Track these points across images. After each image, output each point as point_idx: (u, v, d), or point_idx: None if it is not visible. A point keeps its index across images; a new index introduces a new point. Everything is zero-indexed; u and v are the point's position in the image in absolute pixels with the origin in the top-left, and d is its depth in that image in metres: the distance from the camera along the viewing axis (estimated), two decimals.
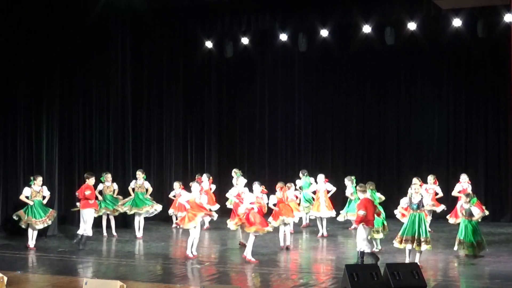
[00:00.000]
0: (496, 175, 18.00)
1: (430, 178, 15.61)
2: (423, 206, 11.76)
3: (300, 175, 17.14)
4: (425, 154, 18.78)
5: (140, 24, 17.60)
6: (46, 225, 14.29)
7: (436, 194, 15.59)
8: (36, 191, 14.11)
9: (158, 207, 15.86)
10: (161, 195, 17.81)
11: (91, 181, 14.21)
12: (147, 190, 15.82)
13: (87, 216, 13.96)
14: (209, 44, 18.85)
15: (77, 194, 14.31)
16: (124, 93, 17.34)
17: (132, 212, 15.60)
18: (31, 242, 14.00)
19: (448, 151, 18.55)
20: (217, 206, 17.01)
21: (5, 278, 9.45)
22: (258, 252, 13.55)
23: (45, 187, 14.37)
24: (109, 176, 15.64)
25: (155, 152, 18.61)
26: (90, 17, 16.23)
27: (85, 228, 13.91)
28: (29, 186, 14.21)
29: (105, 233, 15.64)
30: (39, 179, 14.22)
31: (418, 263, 10.58)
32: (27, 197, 14.09)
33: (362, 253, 11.77)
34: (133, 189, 15.76)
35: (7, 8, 15.51)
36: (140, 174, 15.92)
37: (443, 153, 18.56)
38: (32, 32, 15.75)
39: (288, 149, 20.32)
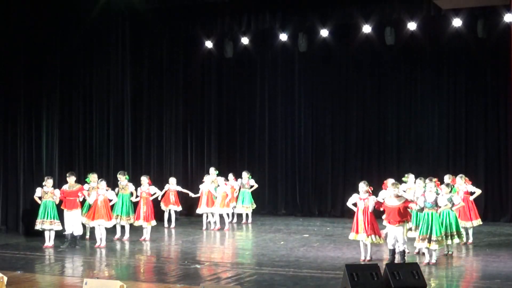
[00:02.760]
0: (496, 175, 17.99)
1: (460, 179, 14.44)
2: (437, 205, 11.86)
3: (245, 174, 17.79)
4: (425, 154, 18.78)
5: (140, 24, 17.60)
6: (54, 227, 14.17)
7: (471, 193, 14.39)
8: (45, 192, 14.15)
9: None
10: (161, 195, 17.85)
11: (72, 179, 14.30)
12: (131, 193, 15.33)
13: (75, 217, 14.14)
14: (209, 44, 18.86)
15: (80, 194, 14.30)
16: (124, 93, 17.33)
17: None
18: (49, 242, 14.10)
19: (448, 151, 18.54)
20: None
21: (5, 278, 9.43)
22: (258, 252, 13.56)
23: (57, 190, 14.29)
24: (94, 176, 14.96)
25: (155, 152, 18.60)
26: (90, 17, 16.24)
27: (74, 228, 14.12)
28: (41, 186, 14.30)
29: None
30: (50, 181, 14.22)
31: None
32: (39, 198, 14.20)
33: (403, 252, 11.76)
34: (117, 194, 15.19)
35: (7, 8, 15.52)
36: (121, 177, 15.26)
37: (443, 153, 18.56)
38: (32, 31, 15.75)
39: (288, 149, 20.32)
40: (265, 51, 19.90)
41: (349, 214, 18.63)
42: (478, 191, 14.36)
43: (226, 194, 16.88)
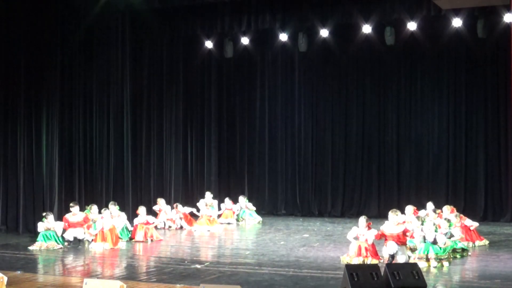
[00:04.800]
0: (496, 175, 17.98)
1: (446, 209, 14.63)
2: (437, 243, 11.87)
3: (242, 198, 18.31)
4: (425, 154, 18.78)
5: (140, 24, 17.60)
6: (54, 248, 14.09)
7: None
8: (48, 228, 14.16)
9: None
10: (161, 195, 17.85)
11: (76, 209, 14.45)
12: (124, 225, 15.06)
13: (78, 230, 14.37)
14: (209, 44, 18.85)
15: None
16: (124, 93, 17.34)
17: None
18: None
19: (448, 151, 18.53)
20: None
21: (5, 278, 9.44)
22: (258, 252, 13.56)
23: (58, 225, 14.30)
24: (95, 208, 14.84)
25: (155, 152, 18.60)
26: (90, 17, 16.26)
27: (76, 233, 14.32)
28: (42, 221, 14.31)
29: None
30: (51, 217, 14.26)
31: None
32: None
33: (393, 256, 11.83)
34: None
35: (7, 8, 15.53)
36: (113, 207, 14.91)
37: (443, 153, 18.55)
38: (32, 32, 15.76)
39: (288, 149, 20.31)
40: (265, 51, 19.90)
41: (349, 214, 18.74)
42: (475, 224, 14.11)
43: (210, 216, 17.26)
